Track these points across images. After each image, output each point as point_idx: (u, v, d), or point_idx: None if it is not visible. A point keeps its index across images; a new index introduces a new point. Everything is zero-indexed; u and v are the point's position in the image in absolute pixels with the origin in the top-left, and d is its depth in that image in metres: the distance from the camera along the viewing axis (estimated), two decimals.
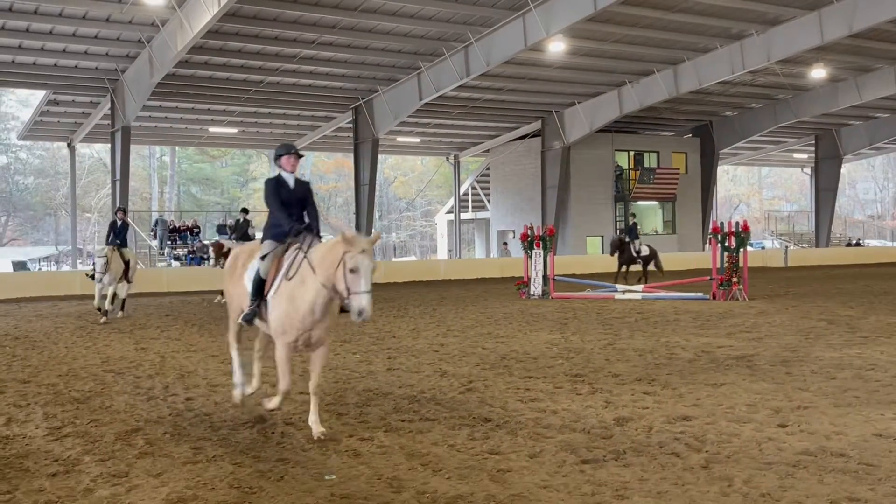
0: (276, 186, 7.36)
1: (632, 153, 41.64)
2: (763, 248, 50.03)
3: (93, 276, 16.67)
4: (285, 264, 6.95)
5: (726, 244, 19.23)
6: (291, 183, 7.41)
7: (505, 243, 40.97)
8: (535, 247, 21.45)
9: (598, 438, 6.51)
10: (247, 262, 7.48)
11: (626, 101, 33.63)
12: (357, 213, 35.11)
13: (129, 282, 17.29)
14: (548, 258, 21.50)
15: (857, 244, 52.04)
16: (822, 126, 44.76)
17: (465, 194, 48.62)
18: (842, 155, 46.47)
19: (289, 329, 6.78)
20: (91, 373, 10.25)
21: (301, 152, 7.74)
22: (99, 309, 16.50)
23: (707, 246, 35.44)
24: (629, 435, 6.62)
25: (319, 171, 68.40)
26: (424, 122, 37.87)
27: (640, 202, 41.32)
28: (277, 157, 7.51)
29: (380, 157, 37.49)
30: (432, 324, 15.30)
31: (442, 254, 50.89)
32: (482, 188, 48.26)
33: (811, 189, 49.74)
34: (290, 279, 6.81)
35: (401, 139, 40.71)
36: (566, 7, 23.80)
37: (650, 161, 41.88)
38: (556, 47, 26.76)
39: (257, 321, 7.24)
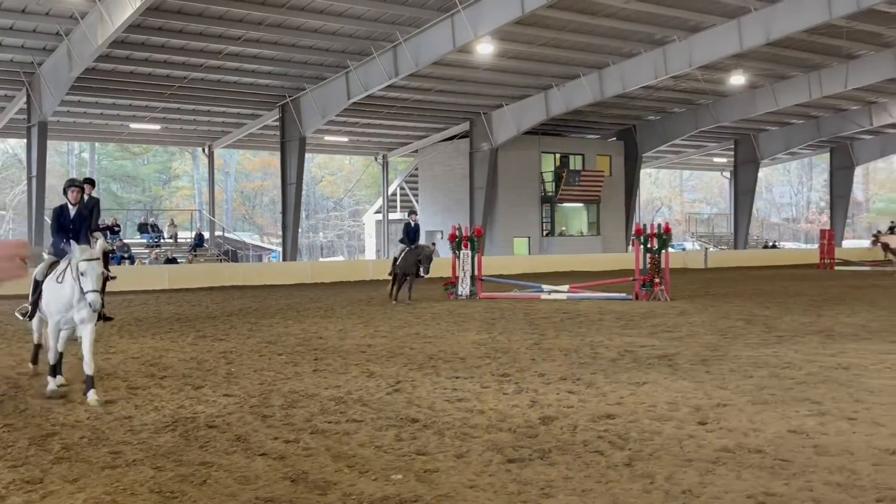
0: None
1: (558, 155, 42.17)
2: (684, 249, 51.23)
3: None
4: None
5: (649, 246, 19.63)
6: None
7: (433, 243, 40.99)
8: (463, 247, 21.54)
9: (524, 438, 6.56)
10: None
11: (552, 103, 34.05)
12: (284, 212, 34.74)
13: None
14: (476, 258, 21.62)
15: (774, 246, 53.76)
16: (741, 131, 46.07)
17: (394, 194, 48.54)
18: (759, 159, 47.90)
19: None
20: (4, 375, 9.89)
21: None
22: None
23: (630, 247, 36.16)
24: (554, 434, 6.69)
25: (245, 169, 67.39)
26: (353, 122, 37.69)
27: (565, 204, 41.90)
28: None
29: (307, 155, 37.14)
30: (360, 324, 15.22)
31: (370, 254, 50.69)
32: (411, 188, 48.25)
33: (730, 192, 51.15)
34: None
35: (329, 138, 40.42)
36: (494, 9, 23.98)
37: (576, 164, 42.48)
38: (485, 49, 26.94)
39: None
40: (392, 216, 47.63)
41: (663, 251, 19.69)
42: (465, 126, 38.90)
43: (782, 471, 5.59)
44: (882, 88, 37.51)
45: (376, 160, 46.74)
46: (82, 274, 8.11)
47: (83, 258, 8.13)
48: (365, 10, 25.15)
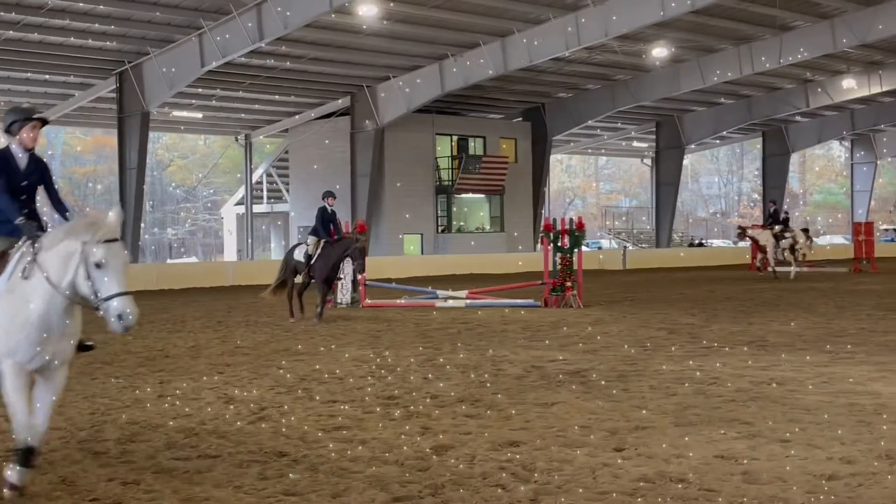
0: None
1: (455, 138, 42.47)
2: (600, 248, 52.53)
3: None
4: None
5: (559, 244, 19.99)
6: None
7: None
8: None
9: (413, 471, 6.58)
10: None
11: (448, 77, 34.27)
12: (122, 202, 33.77)
13: None
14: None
15: (700, 244, 55.68)
16: (664, 112, 47.49)
17: (259, 182, 47.92)
18: (684, 144, 49.49)
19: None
20: None
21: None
22: None
23: (538, 246, 36.75)
24: (448, 466, 6.73)
25: (73, 150, 65.36)
26: (208, 94, 36.99)
27: (464, 195, 42.23)
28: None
29: (152, 135, 36.27)
30: (217, 339, 14.96)
31: (230, 254, 49.91)
32: (280, 175, 47.73)
33: (652, 182, 52.67)
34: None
35: (179, 114, 39.55)
36: None
37: (476, 148, 42.86)
38: (368, 10, 26.90)
39: None
40: (257, 208, 47.04)
41: (576, 250, 20.09)
42: (345, 102, 38.73)
43: (708, 502, 5.79)
44: (820, 65, 39.33)
45: (237, 141, 46.07)
46: (97, 265, 5.72)
47: (97, 238, 5.77)
48: None
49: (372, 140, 37.54)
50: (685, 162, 52.37)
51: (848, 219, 56.06)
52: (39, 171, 6.73)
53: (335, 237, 18.11)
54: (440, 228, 41.89)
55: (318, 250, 17.82)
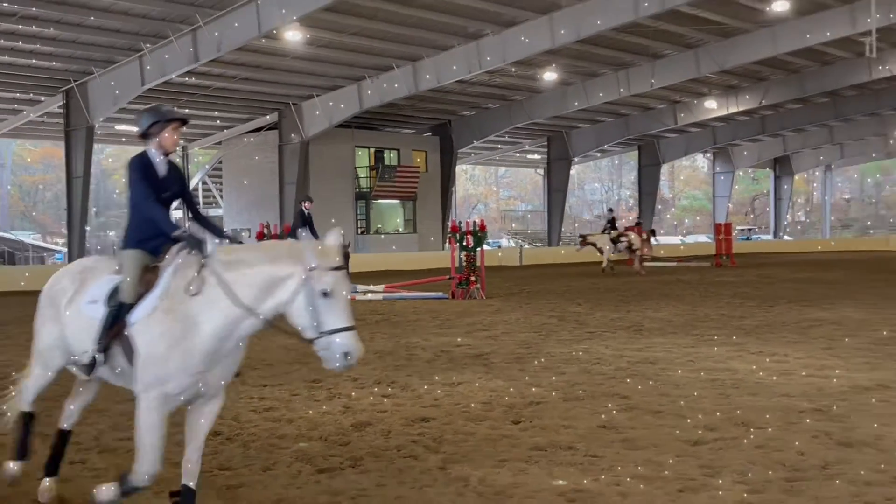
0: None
1: (372, 150, 42.40)
2: (499, 247, 52.94)
3: None
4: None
5: (464, 243, 20.13)
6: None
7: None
8: None
9: (336, 446, 6.55)
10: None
11: (366, 96, 34.13)
12: (69, 208, 32.75)
13: None
14: None
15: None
16: (554, 128, 48.07)
17: (195, 189, 47.02)
18: (571, 157, 50.18)
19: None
20: None
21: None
22: None
23: (447, 245, 36.88)
24: (367, 440, 6.71)
25: (23, 161, 63.09)
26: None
27: (381, 200, 42.16)
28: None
29: (97, 146, 35.25)
30: None
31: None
32: (215, 183, 46.91)
33: (544, 189, 53.29)
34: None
35: (122, 127, 38.53)
36: None
37: (392, 159, 42.88)
38: (294, 36, 26.59)
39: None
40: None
41: (479, 249, 20.25)
42: (273, 117, 38.26)
43: (592, 466, 5.89)
44: (686, 88, 40.31)
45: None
46: (324, 294, 4.52)
47: (326, 264, 4.58)
48: None
49: (298, 152, 37.15)
50: (572, 171, 53.04)
51: (710, 221, 57.52)
52: (179, 180, 5.43)
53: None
54: (360, 230, 41.72)
55: None
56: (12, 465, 5.53)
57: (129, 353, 4.79)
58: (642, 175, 54.91)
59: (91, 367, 5.00)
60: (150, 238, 5.09)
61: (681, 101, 43.89)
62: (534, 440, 6.58)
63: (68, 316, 5.13)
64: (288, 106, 36.91)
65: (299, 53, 29.66)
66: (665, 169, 57.34)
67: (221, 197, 44.77)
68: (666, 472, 5.72)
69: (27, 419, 5.63)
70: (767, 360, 10.18)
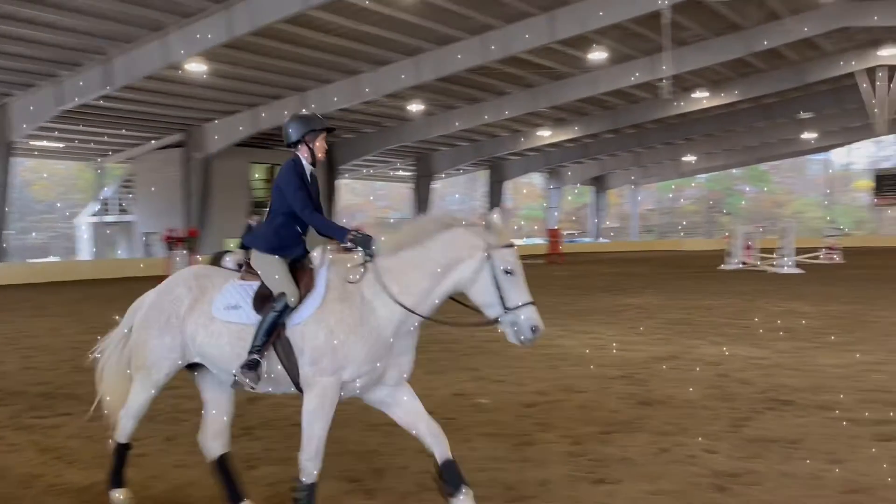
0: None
1: (267, 166, 41.45)
2: None
3: None
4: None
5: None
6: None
7: (148, 244, 38.43)
8: (176, 247, 20.36)
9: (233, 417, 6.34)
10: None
11: (261, 119, 33.25)
12: None
13: None
14: (190, 257, 20.53)
15: None
16: (420, 150, 48.23)
17: (110, 198, 44.60)
18: (434, 174, 50.53)
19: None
20: None
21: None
22: None
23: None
24: (259, 412, 6.54)
25: None
26: (67, 129, 33.96)
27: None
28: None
29: (18, 159, 32.87)
30: (73, 322, 13.78)
31: (85, 255, 46.07)
32: (127, 193, 44.59)
33: (413, 201, 53.33)
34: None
35: (40, 143, 36.08)
36: (203, 32, 22.83)
37: None
38: (197, 67, 25.61)
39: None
40: (108, 219, 43.88)
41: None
42: (181, 136, 36.70)
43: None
44: (525, 120, 41.28)
45: (92, 166, 42.59)
46: (508, 272, 3.99)
47: (503, 242, 4.01)
48: (75, 23, 22.66)
49: (201, 167, 35.78)
50: (435, 186, 53.36)
51: (544, 227, 59.13)
52: (316, 187, 4.60)
53: None
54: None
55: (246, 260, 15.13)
56: (118, 494, 4.43)
57: (288, 354, 4.06)
58: (492, 190, 55.88)
59: (249, 371, 4.07)
60: (291, 245, 4.35)
61: (521, 130, 44.90)
62: None
63: (194, 324, 4.25)
64: (193, 126, 35.49)
65: (202, 82, 28.57)
66: (509, 185, 58.47)
67: (134, 205, 42.58)
68: (507, 430, 5.83)
69: (123, 450, 4.50)
70: (587, 337, 10.53)
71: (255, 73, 28.63)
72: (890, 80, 35.10)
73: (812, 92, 40.05)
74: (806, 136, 49.43)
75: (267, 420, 6.23)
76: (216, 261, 15.85)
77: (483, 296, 4.00)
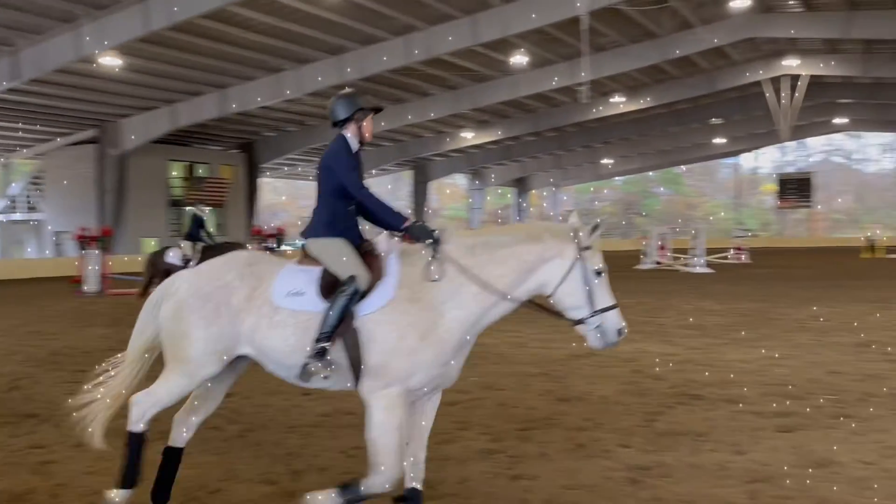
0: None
1: (185, 163, 40.35)
2: (302, 246, 51.85)
3: None
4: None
5: (267, 244, 19.68)
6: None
7: (59, 243, 36.80)
8: (89, 246, 19.58)
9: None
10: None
11: (179, 116, 32.31)
12: None
13: None
14: (103, 257, 19.78)
15: None
16: None
17: (18, 196, 42.51)
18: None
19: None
20: None
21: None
22: None
23: (251, 246, 35.70)
24: (171, 417, 6.34)
25: None
26: None
27: (192, 207, 40.17)
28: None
29: None
30: None
31: None
32: (36, 190, 42.58)
33: None
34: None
35: None
36: (118, 25, 22.02)
37: (204, 171, 41.04)
38: (111, 61, 24.70)
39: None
40: (15, 217, 41.85)
41: (280, 248, 19.88)
42: (95, 132, 35.28)
43: (362, 428, 5.89)
44: (449, 121, 41.47)
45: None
46: (598, 273, 3.83)
47: (590, 243, 3.84)
48: None
49: (116, 164, 34.50)
50: None
51: (468, 227, 59.52)
52: (362, 170, 4.25)
53: (214, 243, 14.61)
54: (172, 234, 39.48)
55: (197, 255, 13.86)
56: (115, 495, 4.10)
57: (354, 346, 3.75)
58: (416, 190, 55.92)
59: (313, 363, 3.77)
60: (350, 228, 4.06)
61: (445, 132, 45.10)
62: (321, 409, 6.50)
63: (256, 314, 3.89)
64: (107, 122, 34.18)
65: (117, 77, 27.57)
66: (433, 185, 58.64)
67: (44, 203, 40.71)
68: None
69: (139, 440, 4.17)
70: (507, 335, 10.65)
71: (174, 69, 27.84)
72: (793, 90, 36.85)
73: (722, 99, 41.70)
74: (716, 140, 51.42)
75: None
76: (158, 256, 14.70)
77: (571, 297, 3.82)
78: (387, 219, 4.01)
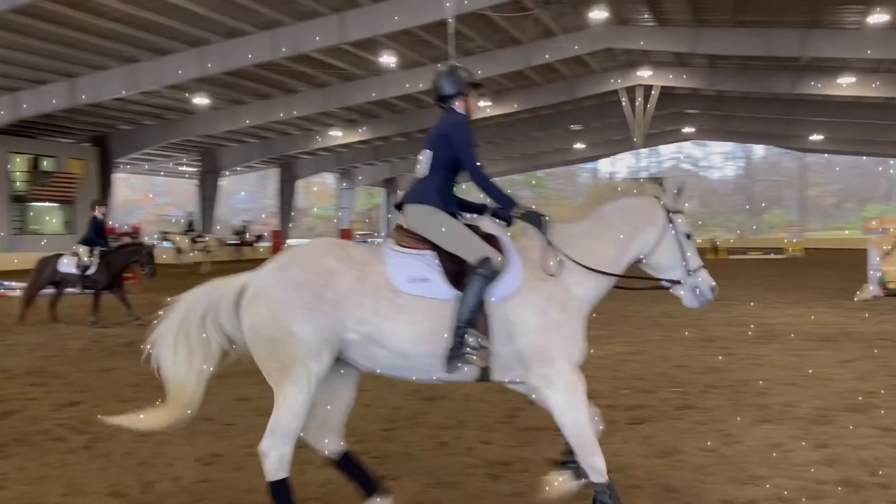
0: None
1: (30, 157, 37.48)
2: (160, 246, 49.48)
3: None
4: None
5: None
6: None
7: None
8: None
9: None
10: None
11: (22, 106, 29.98)
12: None
13: None
14: None
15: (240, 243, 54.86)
16: (206, 145, 46.10)
17: None
18: (220, 170, 48.52)
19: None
20: None
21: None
22: None
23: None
24: (14, 427, 5.89)
25: None
26: None
27: (37, 203, 37.45)
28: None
29: None
30: None
31: None
32: None
33: (198, 198, 50.83)
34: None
35: None
36: None
37: (50, 165, 38.24)
38: None
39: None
40: None
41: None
42: None
43: (227, 433, 5.71)
44: (316, 119, 40.90)
45: None
46: (689, 236, 3.98)
47: (679, 206, 4.01)
48: None
49: None
50: (222, 183, 51.14)
51: (336, 228, 59.02)
52: None
53: (111, 246, 13.08)
54: (15, 231, 36.61)
55: (95, 261, 12.57)
56: None
57: (485, 334, 3.62)
58: (282, 189, 54.72)
59: (465, 350, 3.55)
60: (454, 203, 3.93)
61: (313, 130, 44.43)
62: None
63: (373, 298, 3.60)
64: None
65: None
66: (301, 184, 57.63)
67: None
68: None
69: (285, 488, 3.68)
70: None
71: (16, 55, 25.84)
72: (646, 99, 39.05)
73: (582, 106, 43.55)
74: (577, 146, 53.67)
75: (22, 435, 5.61)
76: (48, 262, 13.29)
77: (668, 259, 3.97)
78: (498, 201, 3.93)
